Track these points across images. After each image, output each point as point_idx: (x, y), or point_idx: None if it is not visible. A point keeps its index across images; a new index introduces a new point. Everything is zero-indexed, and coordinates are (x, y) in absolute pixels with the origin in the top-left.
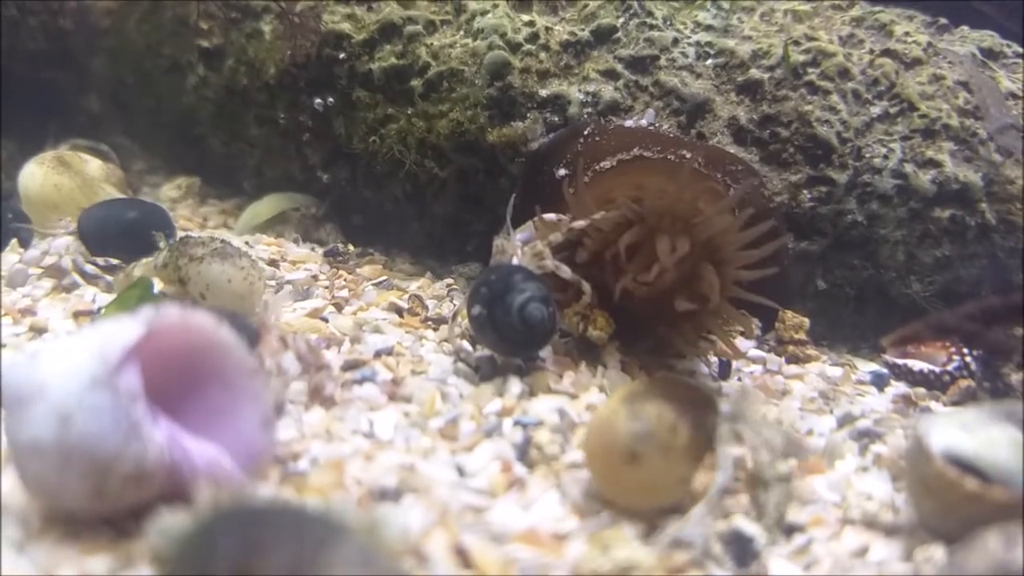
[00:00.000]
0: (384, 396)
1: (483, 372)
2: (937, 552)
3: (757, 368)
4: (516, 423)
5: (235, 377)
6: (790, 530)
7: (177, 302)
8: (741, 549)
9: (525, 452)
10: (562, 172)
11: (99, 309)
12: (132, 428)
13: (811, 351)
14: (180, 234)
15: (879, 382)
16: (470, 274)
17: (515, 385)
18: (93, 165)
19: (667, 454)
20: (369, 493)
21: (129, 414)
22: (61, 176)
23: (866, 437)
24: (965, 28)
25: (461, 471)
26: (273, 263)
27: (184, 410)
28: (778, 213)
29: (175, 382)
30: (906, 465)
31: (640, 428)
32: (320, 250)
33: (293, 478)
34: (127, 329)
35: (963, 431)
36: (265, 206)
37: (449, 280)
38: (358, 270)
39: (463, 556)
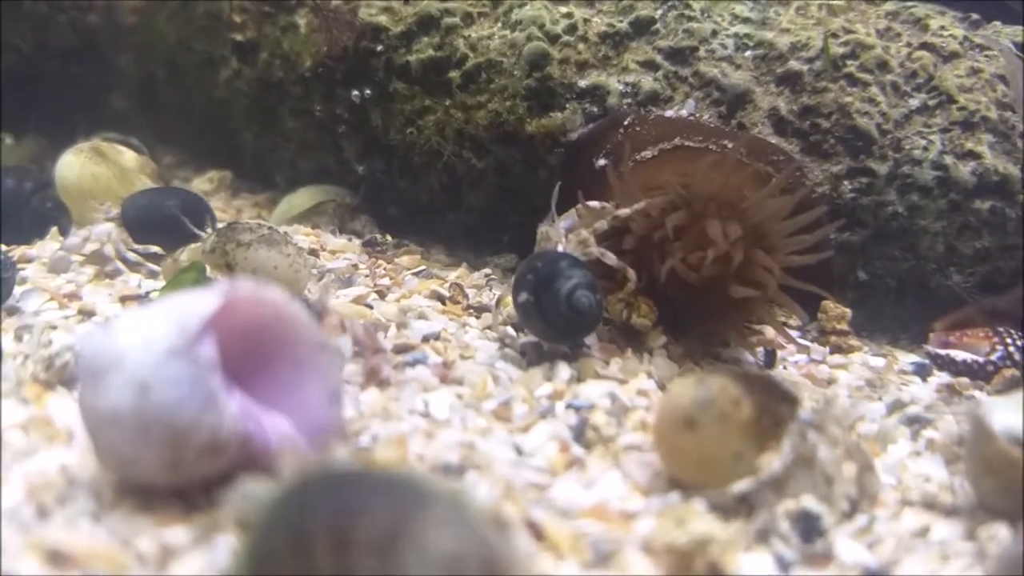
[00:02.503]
0: (436, 378)
1: (530, 357)
2: (1001, 530)
3: (802, 357)
4: (569, 406)
5: (304, 352)
6: (852, 510)
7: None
8: (807, 527)
9: (582, 433)
10: (602, 162)
11: (147, 294)
12: (209, 399)
13: (853, 341)
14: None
15: (922, 372)
16: (506, 265)
17: (564, 370)
18: (128, 156)
19: (724, 424)
20: (433, 468)
21: (206, 384)
22: (98, 166)
23: (916, 423)
24: (998, 23)
25: (519, 450)
26: (313, 252)
27: (254, 382)
28: (821, 202)
29: (245, 355)
30: (966, 446)
31: (701, 394)
32: (357, 240)
33: (359, 452)
34: (205, 300)
35: (1021, 414)
36: (300, 198)
37: (487, 270)
38: (396, 260)
39: (534, 529)
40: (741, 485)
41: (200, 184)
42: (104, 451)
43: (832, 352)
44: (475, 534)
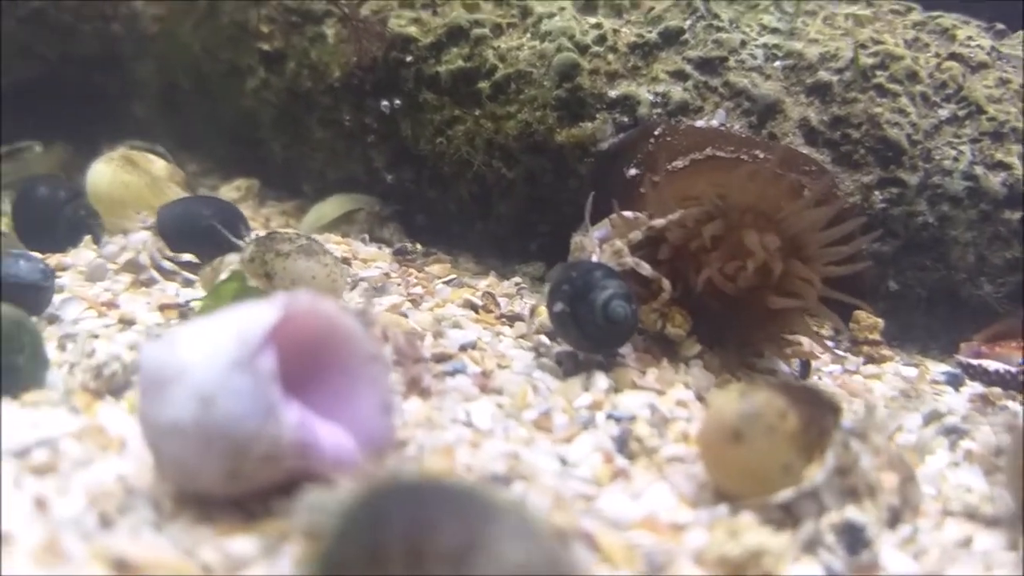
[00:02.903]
0: (476, 388)
1: (566, 367)
2: None
3: (836, 368)
4: (609, 416)
5: (356, 362)
6: (894, 521)
7: (267, 296)
8: (853, 538)
9: (625, 444)
10: (633, 171)
11: (186, 303)
12: (269, 410)
13: (885, 351)
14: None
15: (954, 382)
16: (535, 273)
17: (601, 380)
18: (158, 164)
19: (772, 436)
20: (481, 478)
21: (267, 396)
22: (130, 175)
23: (954, 433)
24: (1022, 32)
25: (563, 461)
26: (345, 261)
27: (308, 392)
28: (856, 213)
29: (300, 365)
30: (1005, 458)
31: (747, 407)
32: (387, 249)
33: (408, 462)
34: (265, 313)
35: None
36: (330, 206)
37: (517, 279)
38: (426, 268)
39: (587, 540)
40: (785, 494)
41: (228, 192)
42: (165, 461)
43: (865, 362)
44: (542, 545)
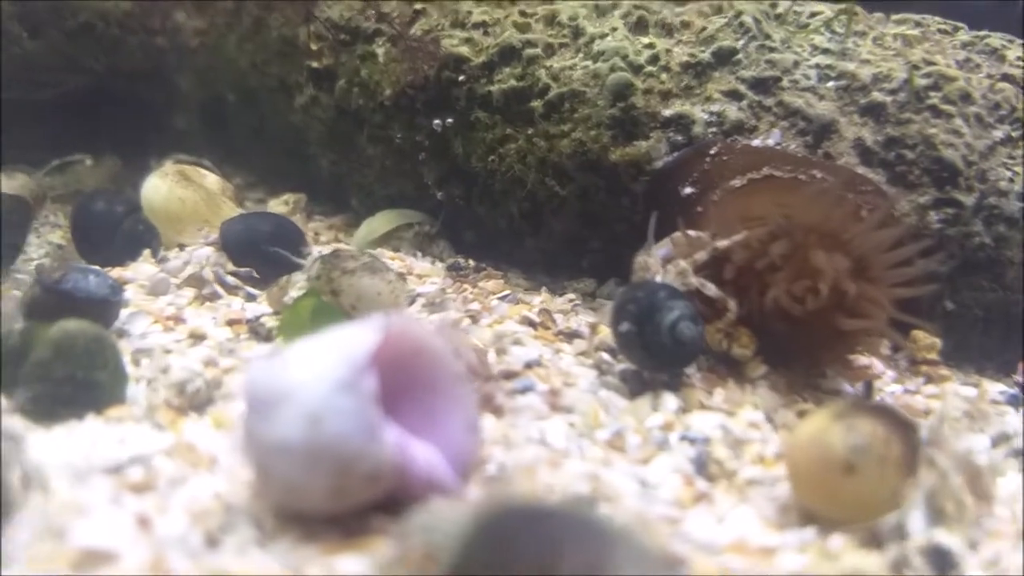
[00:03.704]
0: (546, 406)
1: (632, 386)
2: None
3: (898, 388)
4: (683, 438)
5: (444, 382)
6: (972, 544)
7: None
8: (940, 560)
9: (703, 466)
10: (688, 190)
11: (256, 318)
12: (372, 429)
13: (943, 371)
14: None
15: (1014, 402)
16: (585, 289)
17: (670, 400)
18: (211, 179)
19: (883, 465)
20: (566, 499)
21: (370, 416)
22: (185, 189)
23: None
24: None
25: (643, 483)
26: (401, 277)
27: (401, 412)
28: (915, 234)
29: (393, 385)
30: None
31: (858, 440)
32: (440, 264)
33: (494, 482)
34: (368, 334)
35: None
36: (380, 222)
37: (570, 295)
38: (480, 284)
39: (683, 565)
40: (891, 518)
41: (276, 206)
42: (270, 479)
43: (925, 382)
44: (656, 569)
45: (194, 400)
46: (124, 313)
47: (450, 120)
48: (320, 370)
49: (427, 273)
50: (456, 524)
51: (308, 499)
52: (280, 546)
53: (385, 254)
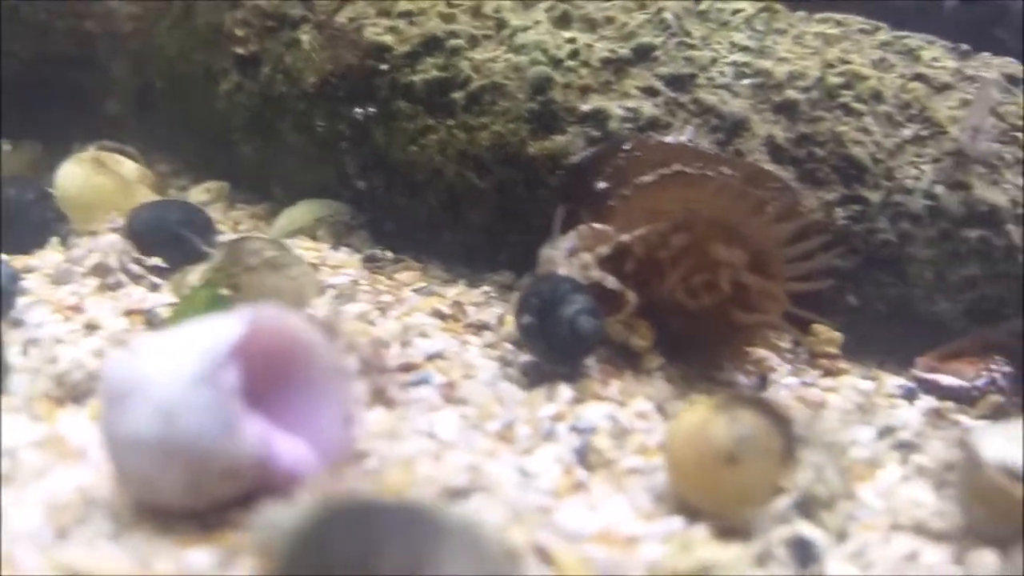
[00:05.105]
0: (441, 398)
1: (531, 378)
2: (989, 556)
3: (794, 380)
4: (572, 428)
5: (319, 374)
6: (842, 535)
7: (239, 305)
8: (803, 552)
9: (584, 456)
10: (602, 185)
11: (152, 308)
12: (230, 424)
13: (843, 365)
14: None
15: (909, 396)
16: (503, 282)
17: (565, 391)
18: (128, 166)
19: (765, 457)
20: (443, 490)
21: (228, 411)
22: (100, 176)
23: (906, 448)
24: (987, 54)
25: (524, 472)
26: (314, 266)
27: (269, 404)
28: (821, 229)
29: (262, 376)
30: (956, 474)
31: (743, 431)
32: (357, 255)
33: (368, 475)
34: (230, 327)
35: (1010, 443)
36: (301, 211)
37: (486, 287)
38: (396, 276)
39: (542, 554)
40: (765, 510)
41: (197, 195)
42: (125, 474)
43: (822, 375)
44: (490, 565)
45: (74, 391)
46: (23, 302)
47: (372, 109)
48: (176, 363)
49: (342, 264)
50: (291, 520)
51: (164, 494)
52: (133, 539)
53: (301, 244)
